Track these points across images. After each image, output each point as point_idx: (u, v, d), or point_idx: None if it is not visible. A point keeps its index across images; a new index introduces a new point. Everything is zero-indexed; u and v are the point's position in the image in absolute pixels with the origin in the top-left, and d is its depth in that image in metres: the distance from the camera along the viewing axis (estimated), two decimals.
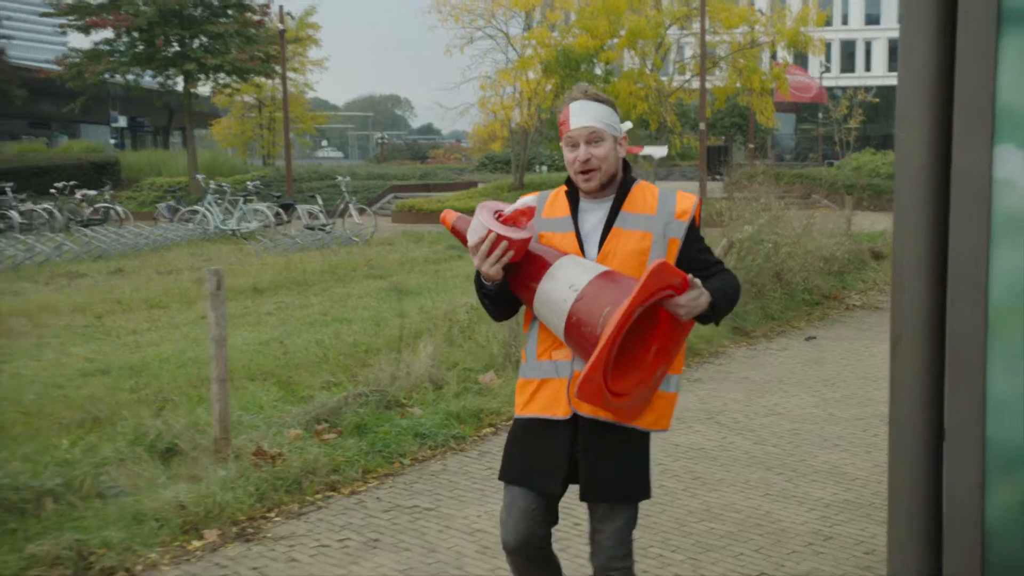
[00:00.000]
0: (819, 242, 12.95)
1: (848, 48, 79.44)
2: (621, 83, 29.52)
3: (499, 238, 3.05)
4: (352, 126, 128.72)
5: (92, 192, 26.04)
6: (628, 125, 3.32)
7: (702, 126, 29.58)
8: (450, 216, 3.38)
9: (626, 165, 3.27)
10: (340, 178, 26.50)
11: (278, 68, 36.52)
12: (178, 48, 33.96)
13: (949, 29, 2.51)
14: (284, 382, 8.10)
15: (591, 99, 3.22)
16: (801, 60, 56.88)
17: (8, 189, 24.47)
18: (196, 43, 34.05)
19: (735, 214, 11.65)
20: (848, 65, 78.95)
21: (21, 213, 22.96)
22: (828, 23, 53.22)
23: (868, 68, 79.18)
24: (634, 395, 3.06)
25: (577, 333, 2.98)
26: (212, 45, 33.61)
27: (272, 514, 5.43)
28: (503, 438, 4.11)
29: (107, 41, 34.10)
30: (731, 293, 3.19)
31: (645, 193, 3.22)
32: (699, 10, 29.21)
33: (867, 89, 56.44)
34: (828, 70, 66.04)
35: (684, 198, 3.24)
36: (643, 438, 3.25)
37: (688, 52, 35.39)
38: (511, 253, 3.08)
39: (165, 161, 43.42)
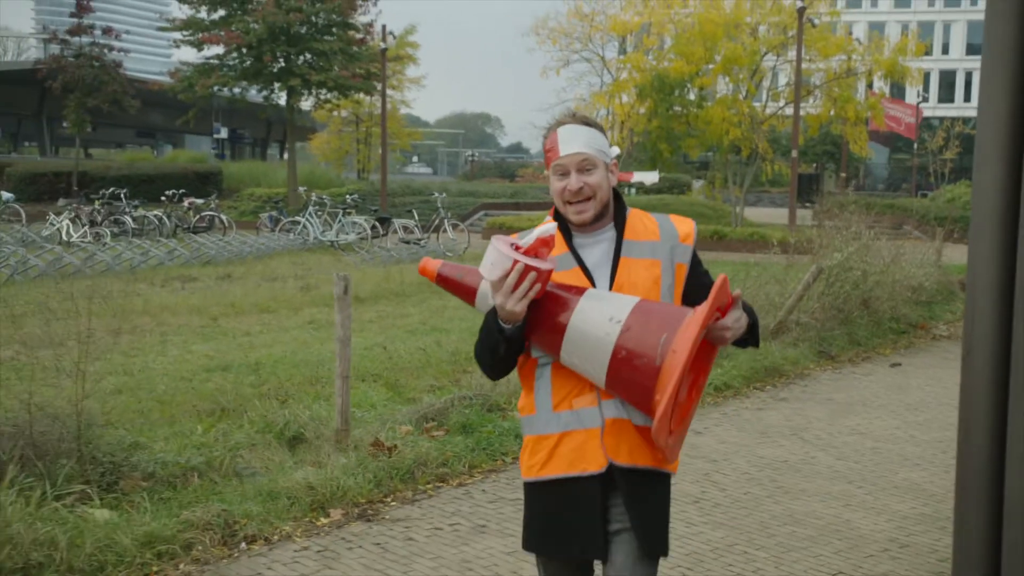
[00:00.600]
0: (908, 272, 13.15)
1: (948, 78, 78.34)
2: (715, 109, 29.77)
3: (527, 269, 2.68)
4: (442, 143, 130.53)
5: (199, 201, 27.19)
6: (616, 151, 3.04)
7: (794, 153, 29.68)
8: (432, 264, 3.00)
9: (616, 194, 2.99)
10: (436, 194, 27.26)
11: (378, 85, 37.58)
12: (283, 64, 35.16)
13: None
14: (391, 384, 8.67)
15: (580, 123, 2.94)
16: (898, 90, 56.36)
17: (123, 195, 25.66)
18: (301, 60, 35.21)
19: (825, 241, 11.92)
20: (947, 95, 77.88)
21: (134, 219, 24.09)
22: (928, 53, 52.64)
23: (967, 99, 77.91)
24: (678, 434, 2.80)
25: (629, 369, 2.67)
26: (316, 62, 34.74)
27: (388, 499, 5.96)
28: None
29: (217, 56, 35.45)
30: (753, 313, 2.95)
31: (643, 220, 2.98)
32: (795, 39, 29.37)
33: (965, 120, 55.67)
34: (926, 100, 65.22)
35: (683, 222, 3.03)
36: (668, 482, 2.97)
37: (783, 80, 35.48)
38: (538, 287, 2.73)
39: (264, 172, 44.87)
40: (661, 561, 2.96)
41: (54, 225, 22.57)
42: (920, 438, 7.83)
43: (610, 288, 2.86)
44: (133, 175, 38.59)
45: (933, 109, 71.39)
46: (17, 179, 37.48)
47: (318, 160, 53.12)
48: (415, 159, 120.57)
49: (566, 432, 2.87)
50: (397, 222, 24.37)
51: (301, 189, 28.06)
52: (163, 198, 27.26)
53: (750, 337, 2.91)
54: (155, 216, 24.88)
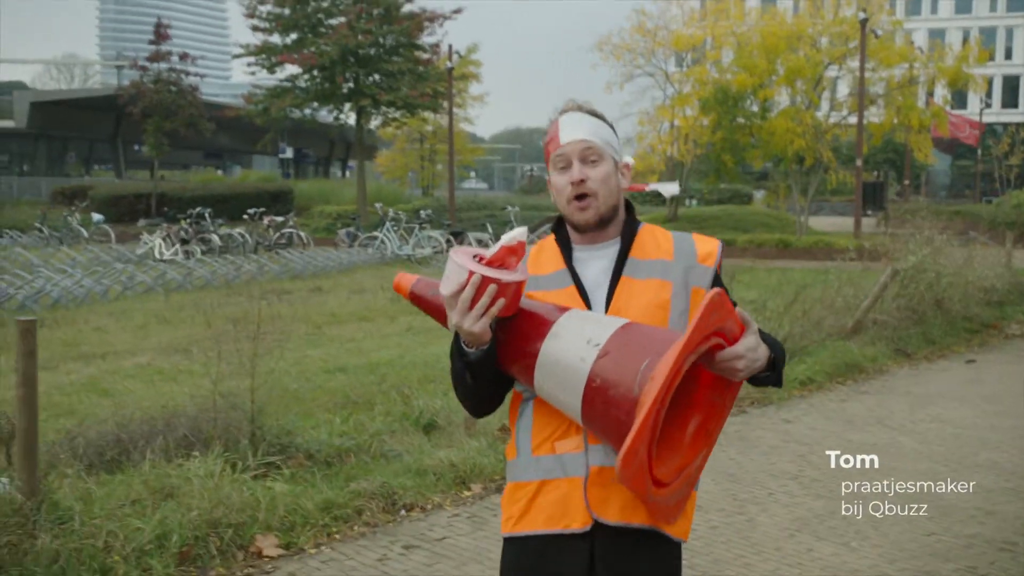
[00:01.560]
0: (980, 273, 13.63)
1: (1011, 83, 77.61)
2: (778, 120, 30.25)
3: (485, 281, 2.25)
4: (498, 158, 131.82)
5: (279, 218, 28.18)
6: (630, 160, 2.65)
7: (859, 162, 30.06)
8: (406, 280, 2.55)
9: (629, 205, 2.61)
10: (509, 208, 28.08)
11: (443, 103, 38.54)
12: (352, 85, 36.21)
13: None
14: None
15: (586, 112, 2.56)
16: (959, 97, 56.23)
17: (207, 215, 26.77)
18: (370, 80, 36.24)
19: (899, 245, 12.47)
20: (1010, 100, 77.18)
21: (220, 237, 25.15)
22: (991, 58, 52.53)
23: None
24: (675, 488, 2.29)
25: (603, 400, 2.21)
26: (385, 82, 35.75)
27: None
28: None
29: (290, 78, 36.60)
30: (783, 353, 2.47)
31: (656, 236, 2.57)
32: (857, 48, 29.77)
33: None
34: (989, 106, 64.83)
35: (704, 241, 2.57)
36: (677, 552, 2.49)
37: (844, 89, 35.82)
38: (501, 302, 2.29)
39: (333, 190, 46.03)
40: None
41: (147, 244, 23.66)
42: (998, 425, 8.38)
43: (606, 312, 2.44)
44: (208, 195, 39.84)
45: (997, 115, 70.90)
46: (99, 201, 38.88)
47: (383, 177, 54.27)
48: (472, 175, 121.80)
49: (546, 480, 2.43)
50: (471, 236, 25.16)
51: (377, 205, 28.99)
52: (245, 216, 28.33)
53: (771, 374, 2.39)
54: (239, 234, 25.92)
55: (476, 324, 2.27)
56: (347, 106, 37.00)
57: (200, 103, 39.95)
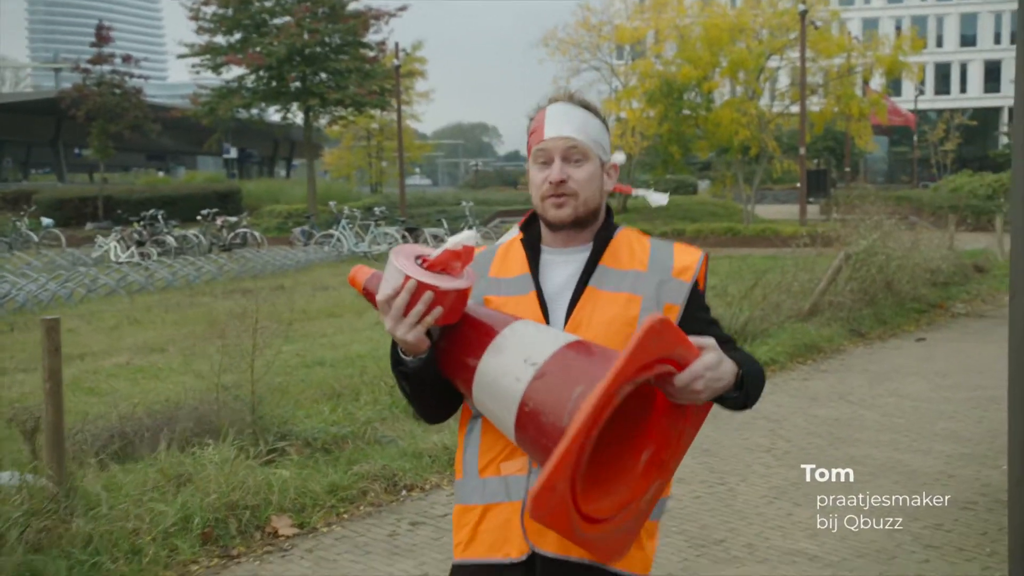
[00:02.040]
0: (927, 256, 14.20)
1: (943, 70, 79.27)
2: (723, 110, 30.87)
3: (420, 287, 2.09)
4: (442, 154, 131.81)
5: (232, 219, 28.23)
6: (621, 158, 2.45)
7: (802, 151, 30.76)
8: (361, 274, 2.32)
9: (608, 210, 2.42)
10: (464, 203, 28.34)
11: (390, 100, 38.69)
12: (300, 84, 36.21)
13: None
14: None
15: (577, 104, 2.35)
16: (894, 84, 57.47)
17: (160, 217, 26.72)
18: (316, 79, 36.28)
19: (850, 230, 12.98)
20: (943, 87, 78.89)
21: (175, 238, 25.16)
22: (924, 47, 53.78)
23: (964, 90, 79.02)
24: (616, 524, 2.06)
25: (534, 427, 2.02)
26: (332, 80, 35.81)
27: None
28: None
29: (236, 78, 36.52)
30: (758, 371, 2.30)
31: (632, 243, 2.36)
32: (798, 39, 30.46)
33: (962, 111, 56.80)
34: (922, 92, 66.30)
35: (685, 252, 2.36)
36: None
37: (786, 80, 36.57)
38: (438, 311, 2.11)
39: (281, 189, 46.01)
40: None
41: (103, 247, 23.61)
42: (952, 397, 8.87)
43: (564, 326, 2.25)
44: (156, 197, 39.63)
45: (930, 101, 72.51)
46: (44, 205, 38.53)
47: (330, 175, 54.27)
48: (417, 171, 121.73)
49: (491, 505, 2.27)
50: (427, 231, 25.42)
51: (331, 204, 29.14)
52: (198, 218, 28.33)
53: (739, 394, 2.19)
54: (193, 235, 25.93)
55: (410, 333, 2.10)
56: (295, 105, 37.01)
57: (145, 105, 39.70)
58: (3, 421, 5.77)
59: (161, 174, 68.37)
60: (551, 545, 2.19)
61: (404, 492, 6.15)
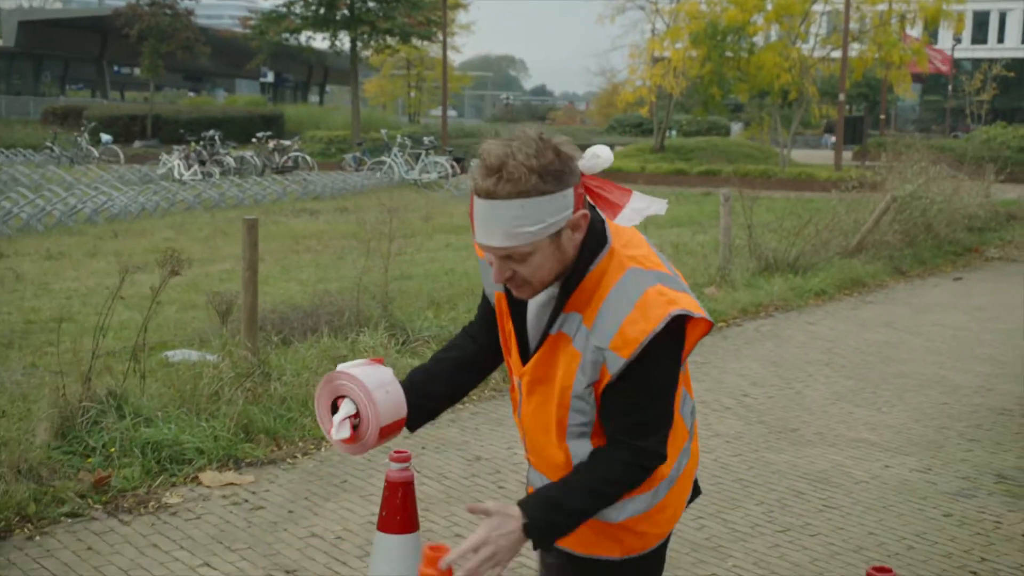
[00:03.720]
0: (964, 202, 15.05)
1: (981, 18, 78.65)
2: (766, 54, 31.41)
3: (338, 444, 2.26)
4: (468, 86, 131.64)
5: (286, 142, 29.13)
6: (595, 152, 2.08)
7: (841, 97, 31.35)
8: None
9: (596, 230, 2.10)
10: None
11: (437, 31, 39.32)
12: (348, 13, 36.84)
13: None
14: None
15: (503, 197, 1.95)
16: (932, 33, 57.48)
17: (217, 138, 27.64)
18: (365, 8, 36.89)
19: (894, 175, 13.84)
20: (980, 36, 78.40)
21: (233, 159, 26.13)
22: None
23: (1001, 40, 78.56)
24: None
25: None
26: (381, 9, 36.44)
27: None
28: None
29: (286, 4, 37.20)
30: (597, 496, 2.11)
31: (597, 285, 2.09)
32: None
33: (999, 61, 56.81)
34: (959, 42, 66.10)
35: (642, 316, 2.03)
36: (627, 568, 2.32)
37: (828, 25, 36.94)
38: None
39: (322, 115, 46.80)
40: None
41: (166, 165, 24.60)
42: (989, 328, 9.82)
43: (524, 362, 2.21)
44: (202, 118, 40.51)
45: (967, 51, 72.25)
46: (95, 122, 39.51)
47: (369, 104, 54.97)
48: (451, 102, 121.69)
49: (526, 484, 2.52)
50: (475, 161, 26.19)
51: (383, 131, 29.98)
52: (253, 140, 29.23)
53: (537, 540, 2.08)
54: (250, 156, 26.88)
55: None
56: (342, 33, 37.68)
57: (196, 26, 40.46)
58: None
59: (192, 95, 69.12)
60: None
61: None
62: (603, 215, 2.13)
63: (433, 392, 2.38)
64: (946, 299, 11.42)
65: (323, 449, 5.67)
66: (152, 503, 4.80)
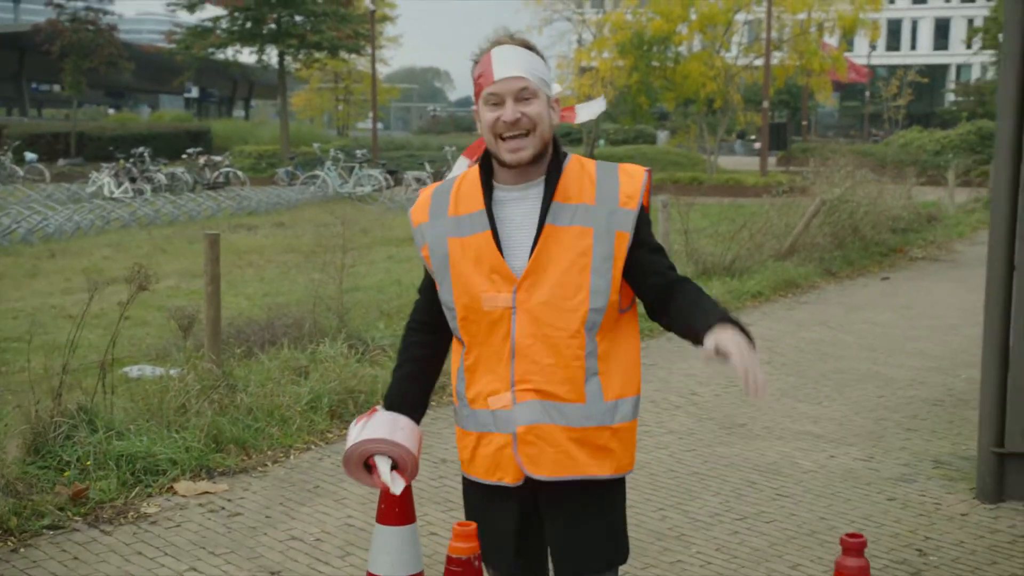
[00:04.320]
0: (889, 204, 15.60)
1: (894, 26, 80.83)
2: (691, 63, 32.02)
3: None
4: (394, 98, 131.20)
5: (217, 158, 28.98)
6: (558, 88, 2.59)
7: (765, 104, 32.09)
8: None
9: (555, 141, 2.51)
10: (447, 148, 29.28)
11: (365, 45, 39.38)
12: (275, 27, 36.73)
13: (1023, 75, 5.18)
14: None
15: (519, 44, 2.47)
16: (848, 40, 58.98)
17: (147, 154, 27.39)
18: (292, 22, 36.80)
19: (823, 180, 14.32)
20: (894, 43, 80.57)
21: (164, 176, 25.93)
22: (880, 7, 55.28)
23: (914, 47, 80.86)
24: None
25: None
26: (309, 23, 36.40)
27: None
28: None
29: (212, 19, 36.97)
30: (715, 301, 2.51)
31: (582, 176, 2.49)
32: None
33: (912, 68, 58.50)
34: (875, 49, 67.95)
35: (629, 177, 2.50)
36: (615, 487, 2.61)
37: (750, 35, 37.76)
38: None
39: (250, 130, 46.52)
40: None
41: (96, 183, 24.33)
42: (917, 324, 10.25)
43: (528, 258, 2.44)
44: (128, 135, 40.05)
45: (881, 57, 74.18)
46: (15, 140, 38.79)
47: (296, 117, 54.73)
48: (370, 115, 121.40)
49: (483, 434, 2.56)
50: (409, 174, 26.42)
51: (315, 145, 29.99)
52: (184, 156, 29.04)
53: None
54: (182, 172, 26.70)
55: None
56: (273, 47, 37.54)
57: (119, 42, 39.99)
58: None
59: (112, 111, 67.99)
60: (547, 470, 2.49)
61: None
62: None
63: (424, 391, 2.71)
64: (875, 298, 11.86)
65: (291, 457, 5.81)
66: (131, 513, 4.90)
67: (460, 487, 2.84)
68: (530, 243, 2.44)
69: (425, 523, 4.92)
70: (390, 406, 2.64)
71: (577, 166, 2.50)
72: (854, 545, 2.58)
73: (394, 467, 2.61)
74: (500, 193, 2.50)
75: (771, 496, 5.38)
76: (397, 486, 2.61)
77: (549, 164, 2.47)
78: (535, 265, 2.43)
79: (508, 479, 2.53)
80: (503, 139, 2.42)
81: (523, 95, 2.40)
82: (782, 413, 7.03)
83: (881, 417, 6.92)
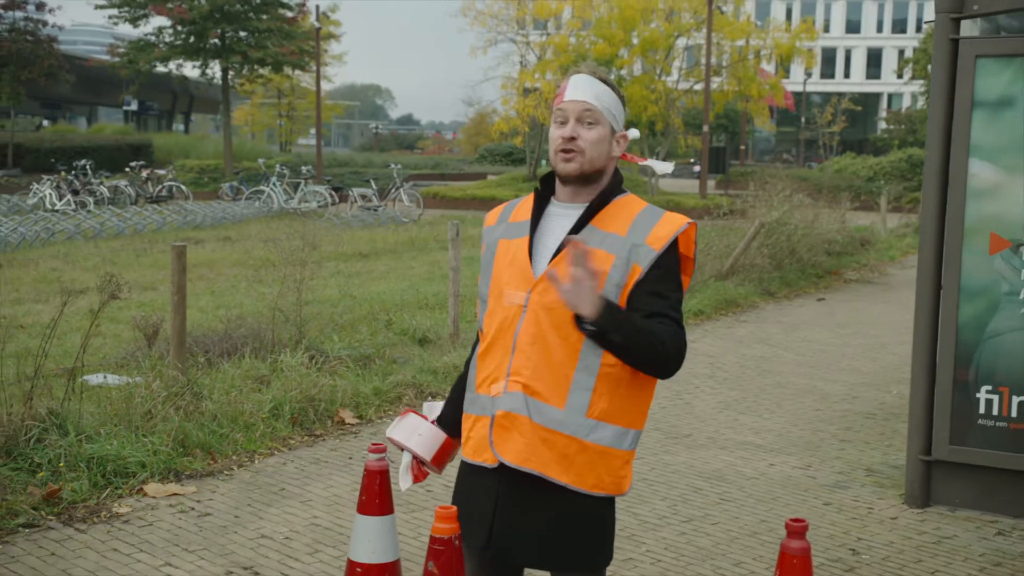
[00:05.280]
0: (824, 228, 16.13)
1: (828, 54, 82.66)
2: (633, 87, 32.61)
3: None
4: (338, 115, 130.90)
5: (160, 171, 28.87)
6: (635, 134, 2.86)
7: (705, 128, 32.77)
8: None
9: (617, 173, 2.76)
10: (393, 165, 29.44)
11: (310, 61, 39.45)
12: (219, 42, 36.64)
13: (950, 108, 5.57)
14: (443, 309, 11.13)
15: (597, 77, 2.70)
16: (785, 68, 60.31)
17: (88, 167, 27.21)
18: (236, 37, 36.75)
19: (762, 203, 14.79)
20: (828, 71, 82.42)
21: (107, 188, 25.79)
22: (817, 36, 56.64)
23: (847, 75, 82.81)
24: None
25: None
26: (253, 39, 36.39)
27: None
28: None
29: (155, 31, 36.80)
30: (653, 336, 2.55)
31: (625, 209, 2.69)
32: (706, 22, 32.38)
33: (846, 95, 59.95)
34: (810, 76, 69.49)
35: (667, 221, 2.67)
36: (584, 503, 2.68)
37: (691, 60, 38.53)
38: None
39: (191, 144, 46.29)
40: None
41: (38, 195, 24.13)
42: (851, 343, 10.69)
43: (549, 263, 2.64)
44: (67, 147, 39.66)
45: (815, 84, 75.88)
46: None
47: (239, 132, 54.55)
48: (312, 132, 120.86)
49: (479, 416, 2.74)
50: (355, 191, 26.53)
51: (260, 161, 30.02)
52: (127, 169, 28.88)
53: (593, 328, 2.54)
54: (125, 185, 26.56)
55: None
56: (218, 62, 37.42)
57: (59, 54, 39.58)
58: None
59: (47, 123, 67.00)
60: (510, 455, 2.63)
61: (430, 397, 7.59)
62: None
63: (458, 410, 2.92)
64: (812, 318, 12.31)
65: (256, 462, 6.00)
66: (103, 513, 5.06)
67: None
68: (553, 251, 2.65)
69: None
70: (437, 418, 2.99)
71: (626, 201, 2.71)
72: (798, 528, 2.89)
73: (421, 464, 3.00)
74: (552, 208, 2.73)
75: (715, 500, 5.69)
76: (403, 483, 2.98)
77: (602, 192, 2.69)
78: (551, 268, 2.57)
79: (488, 460, 2.68)
80: (560, 152, 2.65)
81: (586, 117, 2.64)
82: (725, 424, 7.36)
83: (818, 429, 7.29)
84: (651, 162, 3.03)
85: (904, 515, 5.53)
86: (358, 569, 3.42)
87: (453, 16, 57.90)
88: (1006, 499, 5.53)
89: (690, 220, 2.69)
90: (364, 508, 3.46)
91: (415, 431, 2.94)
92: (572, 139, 2.63)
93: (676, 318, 2.64)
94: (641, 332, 2.53)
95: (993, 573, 4.77)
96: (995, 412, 5.45)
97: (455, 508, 2.75)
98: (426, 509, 5.30)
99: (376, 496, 3.45)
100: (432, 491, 5.58)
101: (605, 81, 2.69)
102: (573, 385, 2.63)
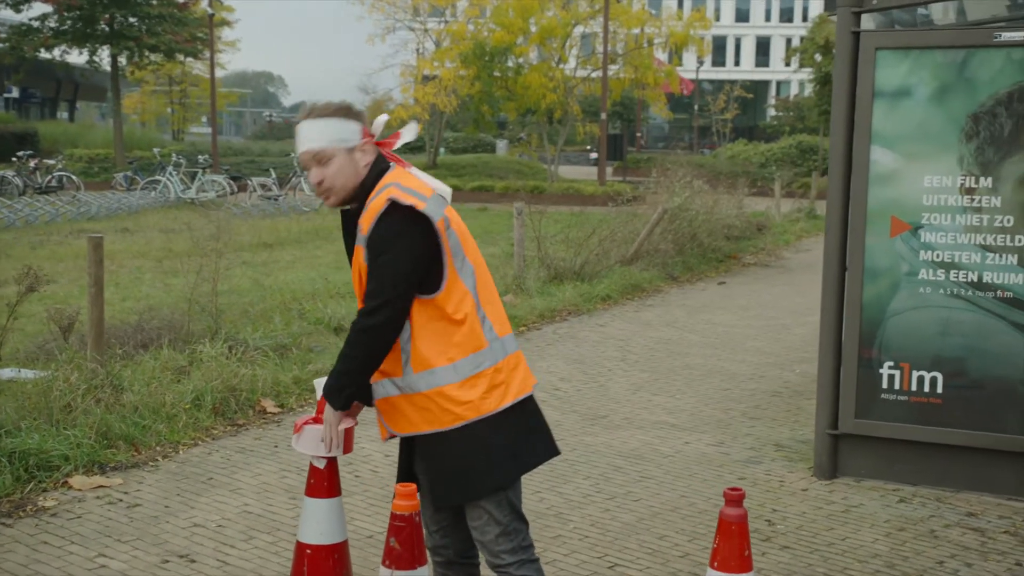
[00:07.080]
0: (723, 213, 16.57)
1: (719, 43, 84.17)
2: (532, 75, 32.84)
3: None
4: (231, 103, 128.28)
5: (50, 161, 28.04)
6: (383, 119, 3.11)
7: (603, 116, 33.17)
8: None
9: (374, 168, 3.06)
10: (292, 154, 29.11)
11: (203, 48, 38.71)
12: (108, 28, 35.70)
13: (852, 98, 5.85)
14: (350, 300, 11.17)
15: (313, 117, 3.01)
16: (679, 55, 61.33)
17: None
18: (126, 23, 35.86)
19: (664, 189, 15.12)
20: (719, 59, 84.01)
21: None
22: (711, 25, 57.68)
23: (737, 63, 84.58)
24: None
25: None
26: (145, 25, 35.55)
27: None
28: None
29: (39, 17, 35.68)
30: (348, 360, 3.04)
31: (372, 204, 3.00)
32: (602, 10, 32.77)
33: (737, 83, 61.27)
34: (702, 64, 70.79)
35: (371, 210, 2.99)
36: (457, 433, 3.04)
37: (589, 48, 38.95)
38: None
39: (79, 133, 44.95)
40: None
41: None
42: (753, 324, 11.04)
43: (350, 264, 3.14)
44: None
45: (707, 72, 77.29)
46: None
47: (130, 120, 53.19)
48: (204, 120, 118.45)
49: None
50: (255, 180, 26.22)
51: (156, 150, 29.39)
52: (13, 159, 27.97)
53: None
54: (11, 175, 25.76)
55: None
56: (108, 48, 36.46)
57: None
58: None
59: None
60: (399, 428, 3.15)
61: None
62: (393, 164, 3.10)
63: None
64: (714, 300, 12.66)
65: (180, 452, 5.98)
66: (29, 507, 5.01)
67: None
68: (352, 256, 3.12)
69: None
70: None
71: (377, 192, 3.00)
72: (735, 496, 3.07)
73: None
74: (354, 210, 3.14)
75: (636, 478, 5.88)
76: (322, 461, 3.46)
77: (367, 193, 3.03)
78: (354, 273, 3.09)
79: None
80: (320, 194, 3.07)
81: (320, 159, 3.01)
82: (639, 405, 7.57)
83: (728, 408, 7.55)
84: (404, 132, 3.22)
85: (814, 486, 5.80)
86: (307, 551, 3.49)
87: (352, 3, 57.25)
88: (907, 468, 5.84)
89: (389, 198, 2.93)
90: (313, 491, 3.53)
91: (318, 437, 3.32)
92: (319, 183, 3.02)
93: (375, 290, 2.95)
94: (342, 370, 3.04)
95: (897, 537, 5.05)
96: (897, 387, 5.75)
97: (414, 486, 2.89)
98: (355, 494, 5.38)
99: (325, 479, 3.53)
100: (360, 476, 5.66)
101: (322, 114, 3.02)
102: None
